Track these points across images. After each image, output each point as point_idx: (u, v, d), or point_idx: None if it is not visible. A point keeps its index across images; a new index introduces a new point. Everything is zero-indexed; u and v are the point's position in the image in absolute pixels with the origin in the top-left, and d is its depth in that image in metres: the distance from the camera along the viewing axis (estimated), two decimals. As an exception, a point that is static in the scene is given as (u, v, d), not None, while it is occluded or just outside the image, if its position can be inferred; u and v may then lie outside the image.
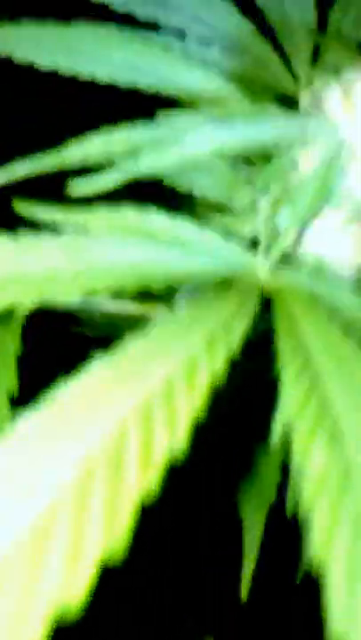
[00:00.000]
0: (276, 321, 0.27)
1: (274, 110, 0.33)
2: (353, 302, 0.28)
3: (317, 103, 0.32)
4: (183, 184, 0.34)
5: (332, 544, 0.18)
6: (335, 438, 0.21)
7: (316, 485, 0.19)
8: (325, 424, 0.21)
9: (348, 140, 0.31)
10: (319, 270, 0.33)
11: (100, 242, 0.27)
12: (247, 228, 0.34)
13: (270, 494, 0.40)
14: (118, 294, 0.28)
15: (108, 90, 0.33)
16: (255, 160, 0.36)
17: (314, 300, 0.28)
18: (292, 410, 0.22)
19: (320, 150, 0.31)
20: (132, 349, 0.23)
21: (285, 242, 0.29)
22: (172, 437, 0.19)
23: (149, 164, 0.27)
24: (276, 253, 0.29)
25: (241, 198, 0.34)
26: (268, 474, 0.39)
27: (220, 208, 0.36)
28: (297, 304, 0.27)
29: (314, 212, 0.29)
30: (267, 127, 0.29)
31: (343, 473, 0.20)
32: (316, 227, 0.33)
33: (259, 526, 0.39)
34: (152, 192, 0.35)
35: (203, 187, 0.34)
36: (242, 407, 0.38)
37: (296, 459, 0.20)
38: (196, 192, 0.34)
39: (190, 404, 0.20)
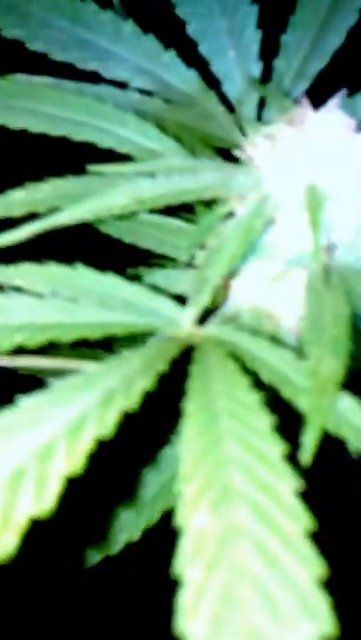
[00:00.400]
0: (192, 372, 0.27)
1: (208, 163, 0.33)
2: (272, 354, 0.28)
3: (255, 155, 0.33)
4: (116, 234, 0.34)
5: (197, 611, 0.18)
6: (222, 500, 0.21)
7: (192, 548, 0.19)
8: (215, 486, 0.21)
9: (276, 192, 0.31)
10: (255, 320, 0.33)
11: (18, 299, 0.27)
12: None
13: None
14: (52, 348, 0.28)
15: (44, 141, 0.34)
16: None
17: (232, 352, 0.27)
18: (186, 469, 0.22)
19: (248, 202, 0.31)
20: (32, 402, 0.23)
21: (206, 294, 0.28)
22: (39, 498, 0.19)
23: (69, 214, 0.28)
24: (199, 306, 0.29)
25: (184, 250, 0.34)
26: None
27: (169, 259, 0.37)
28: (213, 355, 0.27)
29: (236, 262, 0.29)
30: (189, 179, 0.30)
31: (220, 540, 0.19)
32: (251, 278, 0.33)
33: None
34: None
35: (141, 237, 0.35)
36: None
37: (178, 520, 0.20)
38: (133, 241, 0.34)
39: (70, 461, 0.20)
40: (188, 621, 0.18)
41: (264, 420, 0.23)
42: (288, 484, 0.21)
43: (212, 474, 0.22)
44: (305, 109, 0.33)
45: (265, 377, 0.27)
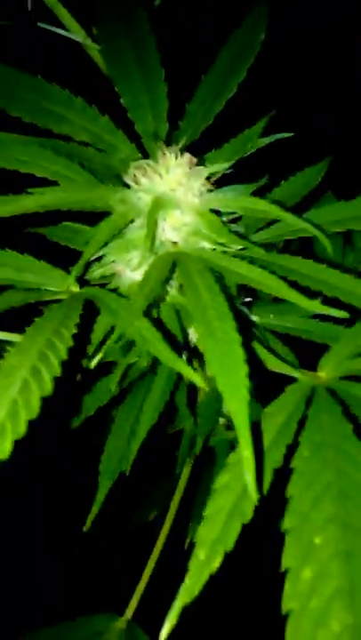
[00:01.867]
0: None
1: (109, 186, 0.51)
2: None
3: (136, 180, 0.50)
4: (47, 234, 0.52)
5: None
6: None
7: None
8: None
9: (139, 203, 0.48)
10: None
11: None
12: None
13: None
14: None
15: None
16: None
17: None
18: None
19: (118, 210, 0.48)
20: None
21: (79, 266, 0.45)
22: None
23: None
24: (75, 272, 0.46)
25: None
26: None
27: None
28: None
29: (100, 245, 0.46)
30: (78, 193, 0.47)
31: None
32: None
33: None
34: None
35: (61, 237, 0.53)
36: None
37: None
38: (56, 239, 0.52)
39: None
40: None
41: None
42: None
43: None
44: (173, 154, 0.50)
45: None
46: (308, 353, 0.57)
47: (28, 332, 0.39)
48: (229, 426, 0.74)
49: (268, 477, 0.43)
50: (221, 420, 0.73)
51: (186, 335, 0.51)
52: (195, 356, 0.55)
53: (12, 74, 0.57)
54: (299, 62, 1.29)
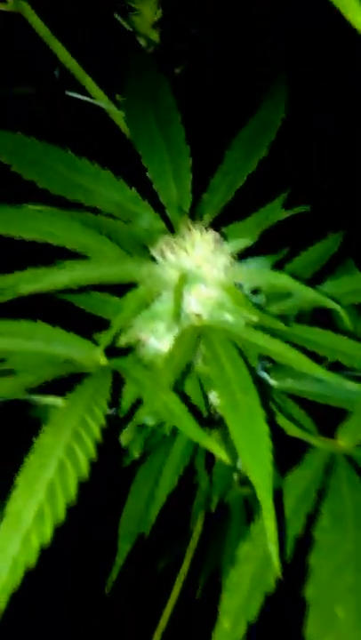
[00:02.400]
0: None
1: (137, 259, 0.53)
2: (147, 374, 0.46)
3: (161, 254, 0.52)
4: (76, 301, 0.54)
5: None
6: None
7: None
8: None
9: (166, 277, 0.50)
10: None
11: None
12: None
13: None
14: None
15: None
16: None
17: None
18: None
19: (145, 283, 0.50)
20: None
21: (108, 337, 0.47)
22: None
23: (27, 288, 0.48)
24: (104, 344, 0.48)
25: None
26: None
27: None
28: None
29: (129, 319, 0.48)
30: (107, 268, 0.49)
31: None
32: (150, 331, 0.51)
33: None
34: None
35: (89, 305, 0.55)
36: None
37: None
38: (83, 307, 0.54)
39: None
40: None
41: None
42: None
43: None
44: (198, 230, 0.52)
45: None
46: (326, 415, 0.58)
47: (61, 408, 0.41)
48: (243, 481, 0.75)
49: (289, 547, 0.44)
50: (235, 476, 0.74)
51: (208, 402, 0.53)
52: (216, 420, 0.57)
53: (41, 147, 0.60)
54: (299, 62, 1.30)
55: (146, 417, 0.50)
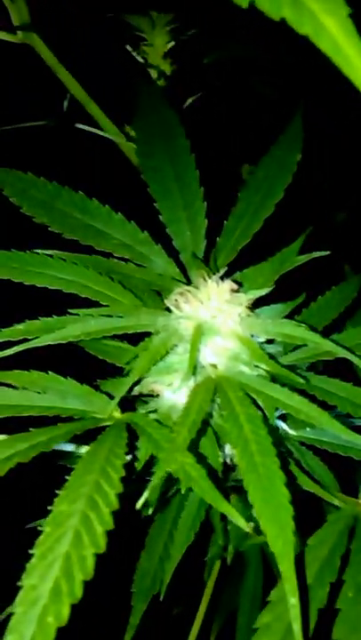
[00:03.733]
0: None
1: (137, 308, 0.51)
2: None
3: (176, 304, 0.50)
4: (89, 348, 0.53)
5: None
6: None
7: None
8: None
9: (181, 328, 0.49)
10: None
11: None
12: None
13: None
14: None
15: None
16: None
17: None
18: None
19: (160, 335, 0.48)
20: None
21: (123, 390, 0.46)
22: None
23: (39, 341, 0.46)
24: (118, 397, 0.46)
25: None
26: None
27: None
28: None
29: (143, 372, 0.46)
30: (121, 320, 0.48)
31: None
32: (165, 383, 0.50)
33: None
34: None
35: (104, 353, 0.53)
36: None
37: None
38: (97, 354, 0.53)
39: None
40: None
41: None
42: None
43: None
44: (210, 277, 0.51)
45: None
46: (347, 469, 0.56)
47: (76, 471, 0.39)
48: (258, 530, 0.73)
49: (312, 617, 0.42)
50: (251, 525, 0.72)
51: (224, 456, 0.51)
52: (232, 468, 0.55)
53: (52, 189, 0.59)
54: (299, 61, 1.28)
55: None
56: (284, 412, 0.57)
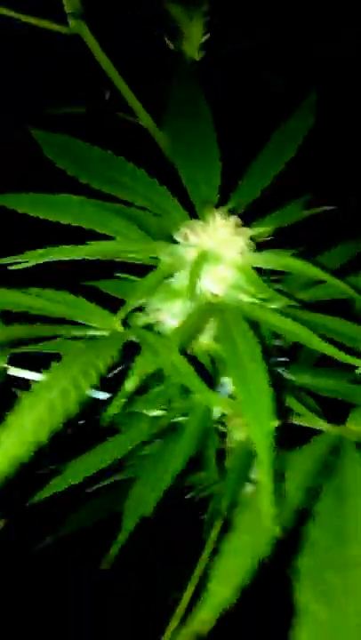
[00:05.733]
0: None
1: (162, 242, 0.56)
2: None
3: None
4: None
5: None
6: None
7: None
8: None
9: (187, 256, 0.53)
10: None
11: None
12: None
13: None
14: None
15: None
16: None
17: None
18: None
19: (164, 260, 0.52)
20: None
21: (128, 306, 0.50)
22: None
23: (57, 254, 0.51)
24: (123, 313, 0.50)
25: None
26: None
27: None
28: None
29: (144, 294, 0.50)
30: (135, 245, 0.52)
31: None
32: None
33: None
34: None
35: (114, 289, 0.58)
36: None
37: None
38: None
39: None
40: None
41: None
42: None
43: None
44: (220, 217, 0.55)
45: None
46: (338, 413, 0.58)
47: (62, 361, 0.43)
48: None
49: (289, 518, 0.44)
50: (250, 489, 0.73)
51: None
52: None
53: (84, 147, 0.64)
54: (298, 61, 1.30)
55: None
56: (284, 359, 0.61)
